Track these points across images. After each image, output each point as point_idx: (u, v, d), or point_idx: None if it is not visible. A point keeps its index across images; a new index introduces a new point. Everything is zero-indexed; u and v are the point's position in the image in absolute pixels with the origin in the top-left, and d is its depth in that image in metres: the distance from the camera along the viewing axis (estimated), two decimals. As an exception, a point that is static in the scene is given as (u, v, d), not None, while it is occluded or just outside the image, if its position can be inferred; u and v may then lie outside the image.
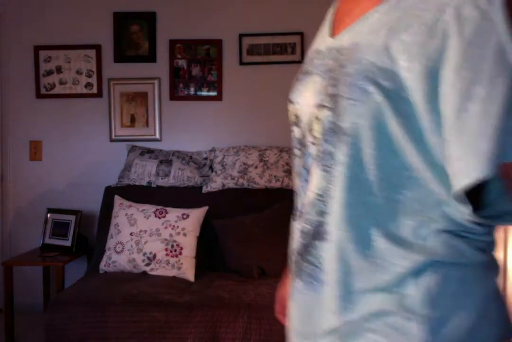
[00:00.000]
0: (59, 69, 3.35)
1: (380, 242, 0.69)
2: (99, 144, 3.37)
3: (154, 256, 2.60)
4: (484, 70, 0.62)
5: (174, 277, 2.56)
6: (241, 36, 3.31)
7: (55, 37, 3.35)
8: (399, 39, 0.66)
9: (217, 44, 3.33)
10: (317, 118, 0.73)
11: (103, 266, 2.67)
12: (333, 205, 0.71)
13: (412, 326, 0.66)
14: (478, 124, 0.61)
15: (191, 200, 2.94)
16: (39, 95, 3.36)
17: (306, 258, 0.76)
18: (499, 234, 2.44)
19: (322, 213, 0.73)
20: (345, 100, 0.68)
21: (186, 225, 2.67)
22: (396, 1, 0.70)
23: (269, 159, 3.05)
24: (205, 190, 3.03)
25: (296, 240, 0.80)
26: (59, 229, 3.10)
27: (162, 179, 3.07)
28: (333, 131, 0.70)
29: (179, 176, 3.07)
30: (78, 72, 3.36)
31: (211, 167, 3.16)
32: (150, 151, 3.16)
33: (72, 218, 3.09)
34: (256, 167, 3.03)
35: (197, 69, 3.35)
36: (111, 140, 3.36)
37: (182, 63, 3.35)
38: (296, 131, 0.82)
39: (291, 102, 0.83)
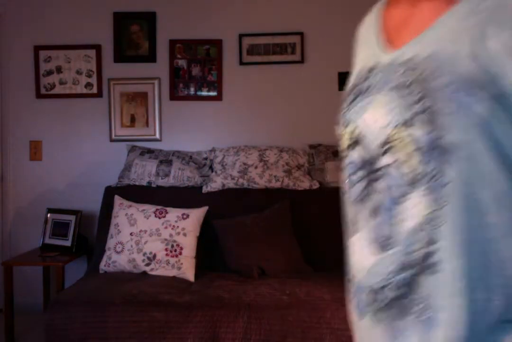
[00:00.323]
0: (59, 69, 3.35)
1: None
2: (99, 144, 3.37)
3: (154, 256, 2.60)
4: None
5: (174, 277, 2.56)
6: (241, 36, 3.31)
7: (55, 37, 3.35)
8: (498, 42, 0.60)
9: (217, 44, 3.33)
10: (401, 138, 0.67)
11: (103, 266, 2.67)
12: (446, 229, 0.63)
13: None
14: None
15: (191, 200, 2.93)
16: (39, 95, 3.36)
17: (408, 296, 0.66)
18: None
19: (431, 241, 0.64)
20: (443, 115, 0.63)
21: (186, 225, 2.67)
22: (476, 3, 0.63)
23: (269, 159, 3.05)
24: (205, 190, 3.03)
25: (375, 276, 0.71)
26: (59, 229, 3.10)
27: (162, 179, 3.06)
28: (434, 149, 0.64)
29: (179, 176, 3.07)
30: (78, 72, 3.35)
31: (211, 168, 3.16)
32: (150, 151, 3.16)
33: (72, 218, 3.09)
34: (256, 167, 3.03)
35: (197, 69, 3.35)
36: (111, 140, 3.36)
37: (182, 63, 3.35)
38: (356, 156, 0.74)
39: (346, 125, 0.76)
